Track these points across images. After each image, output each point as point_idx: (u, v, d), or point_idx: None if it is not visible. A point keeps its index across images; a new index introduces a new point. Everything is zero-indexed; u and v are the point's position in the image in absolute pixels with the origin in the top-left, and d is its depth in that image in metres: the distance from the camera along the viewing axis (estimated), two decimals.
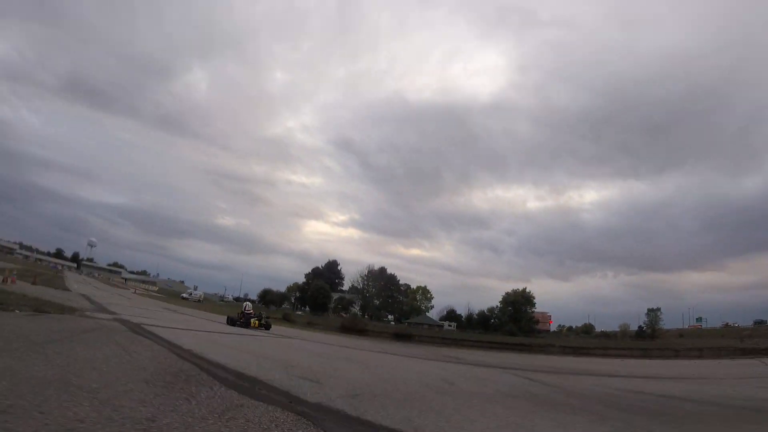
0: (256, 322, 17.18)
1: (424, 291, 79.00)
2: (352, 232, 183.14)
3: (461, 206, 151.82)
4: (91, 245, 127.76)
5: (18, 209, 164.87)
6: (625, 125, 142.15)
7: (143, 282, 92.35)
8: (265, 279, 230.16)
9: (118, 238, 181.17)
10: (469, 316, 78.22)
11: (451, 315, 78.80)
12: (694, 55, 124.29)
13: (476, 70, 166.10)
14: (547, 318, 78.37)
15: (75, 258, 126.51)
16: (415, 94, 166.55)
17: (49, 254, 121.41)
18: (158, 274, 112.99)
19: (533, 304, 72.97)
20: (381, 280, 73.51)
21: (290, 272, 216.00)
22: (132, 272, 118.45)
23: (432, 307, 79.45)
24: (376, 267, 77.14)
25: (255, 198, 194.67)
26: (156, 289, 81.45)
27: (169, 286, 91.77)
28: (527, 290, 73.38)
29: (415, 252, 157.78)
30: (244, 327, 16.56)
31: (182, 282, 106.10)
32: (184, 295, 64.45)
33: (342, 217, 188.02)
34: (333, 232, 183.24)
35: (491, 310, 76.26)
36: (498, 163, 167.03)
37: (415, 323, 67.43)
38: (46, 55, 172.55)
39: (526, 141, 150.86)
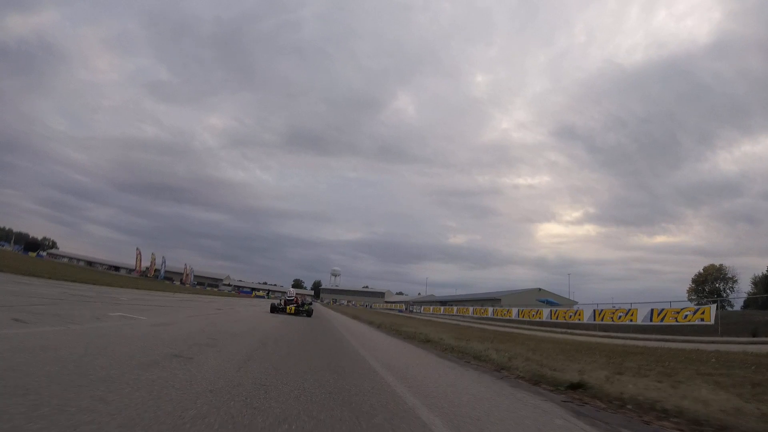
0: (292, 308, 17.87)
1: None
2: (589, 229, 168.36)
3: (706, 174, 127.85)
4: (335, 274, 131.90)
5: (266, 258, 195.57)
6: None
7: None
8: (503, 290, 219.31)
9: (359, 269, 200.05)
10: None
11: None
12: None
13: (684, 10, 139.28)
14: None
15: (315, 287, 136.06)
16: (627, 57, 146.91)
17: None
18: (419, 294, 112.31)
19: None
20: None
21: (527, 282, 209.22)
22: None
23: None
24: None
25: (483, 210, 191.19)
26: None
27: None
28: None
29: (660, 239, 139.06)
30: (281, 312, 17.72)
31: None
32: None
33: (576, 214, 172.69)
34: (567, 232, 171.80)
35: None
36: (739, 113, 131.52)
37: None
38: (262, 118, 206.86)
39: (765, 77, 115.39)
